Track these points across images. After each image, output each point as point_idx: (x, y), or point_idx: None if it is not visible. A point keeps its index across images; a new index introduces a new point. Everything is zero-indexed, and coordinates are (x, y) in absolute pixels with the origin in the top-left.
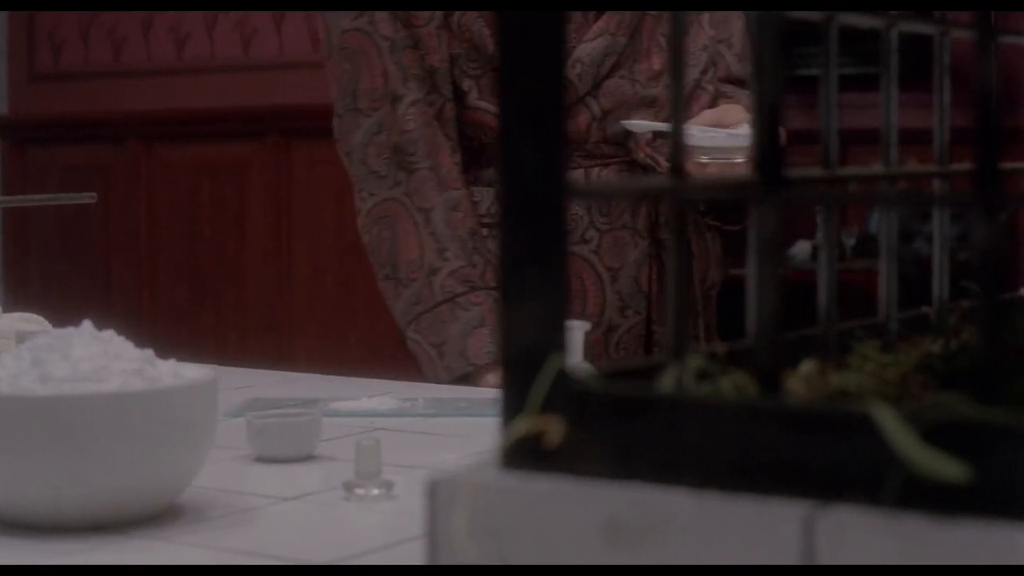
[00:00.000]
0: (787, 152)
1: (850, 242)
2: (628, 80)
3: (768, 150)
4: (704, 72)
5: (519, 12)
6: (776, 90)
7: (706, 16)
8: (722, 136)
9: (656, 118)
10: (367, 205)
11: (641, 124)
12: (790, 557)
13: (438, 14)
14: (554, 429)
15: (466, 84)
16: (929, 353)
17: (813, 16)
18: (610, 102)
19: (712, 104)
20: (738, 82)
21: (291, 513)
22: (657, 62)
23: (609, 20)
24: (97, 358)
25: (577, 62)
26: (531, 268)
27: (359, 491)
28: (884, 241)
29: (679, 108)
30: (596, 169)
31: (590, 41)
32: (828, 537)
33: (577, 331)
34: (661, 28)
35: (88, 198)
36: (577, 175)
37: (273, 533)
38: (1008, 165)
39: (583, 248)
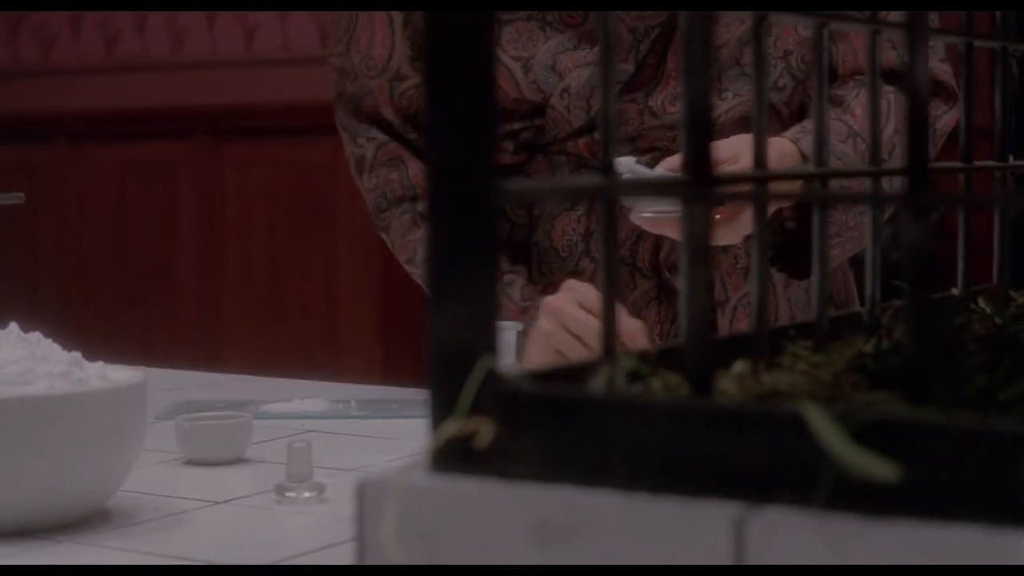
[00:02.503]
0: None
1: None
2: (638, 105)
3: (698, 150)
4: (782, 86)
5: (447, 11)
6: (706, 89)
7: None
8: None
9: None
10: None
11: (621, 162)
12: (721, 558)
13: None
14: (484, 431)
15: None
16: (861, 353)
17: (745, 16)
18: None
19: (792, 124)
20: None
21: (222, 516)
22: (678, 84)
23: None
24: (24, 361)
25: (564, 92)
26: (461, 269)
27: (291, 494)
28: (816, 241)
29: (609, 109)
30: None
31: (583, 68)
32: (759, 538)
33: (508, 332)
34: None
35: (15, 199)
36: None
37: (203, 537)
38: (939, 165)
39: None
